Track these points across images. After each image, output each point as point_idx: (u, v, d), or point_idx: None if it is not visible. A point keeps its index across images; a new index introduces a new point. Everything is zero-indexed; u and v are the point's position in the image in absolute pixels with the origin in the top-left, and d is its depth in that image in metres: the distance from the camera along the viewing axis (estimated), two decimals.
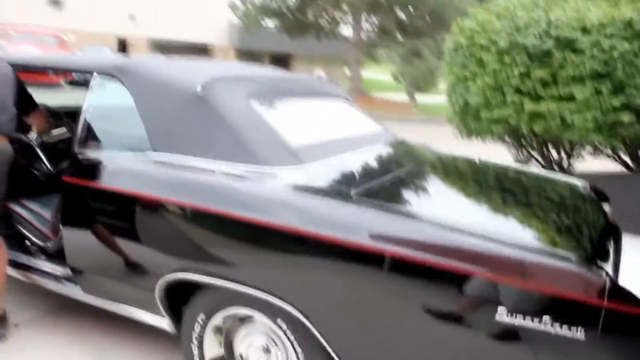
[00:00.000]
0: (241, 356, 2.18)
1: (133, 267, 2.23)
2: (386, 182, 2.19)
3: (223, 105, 2.22)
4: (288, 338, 1.97)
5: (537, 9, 5.54)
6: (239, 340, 2.18)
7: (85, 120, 2.48)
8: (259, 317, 2.03)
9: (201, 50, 40.05)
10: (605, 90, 4.88)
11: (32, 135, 3.05)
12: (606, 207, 2.91)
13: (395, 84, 28.45)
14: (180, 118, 2.24)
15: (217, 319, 2.13)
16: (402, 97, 25.03)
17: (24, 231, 2.95)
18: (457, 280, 1.61)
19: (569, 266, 1.55)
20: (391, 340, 1.75)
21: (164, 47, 38.65)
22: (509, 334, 1.54)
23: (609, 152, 6.08)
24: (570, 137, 5.28)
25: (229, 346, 2.21)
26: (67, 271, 2.51)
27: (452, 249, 1.64)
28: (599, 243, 2.00)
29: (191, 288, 2.14)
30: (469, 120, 6.06)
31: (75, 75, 4.34)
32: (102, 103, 2.51)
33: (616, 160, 6.14)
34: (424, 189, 2.27)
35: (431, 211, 1.88)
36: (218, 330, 2.16)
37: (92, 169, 2.31)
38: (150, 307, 2.25)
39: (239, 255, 1.99)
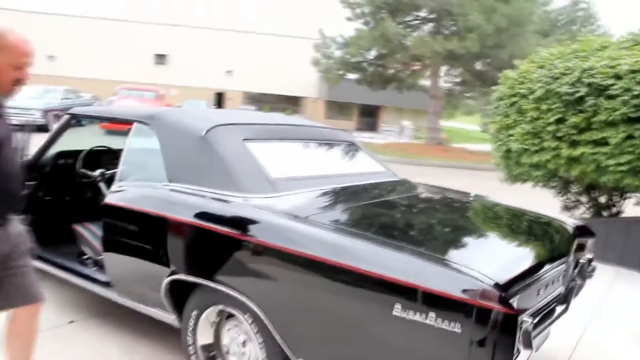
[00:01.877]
0: (226, 346, 2.62)
1: (146, 271, 2.77)
2: (340, 209, 2.63)
3: (220, 145, 2.75)
4: (253, 330, 2.40)
5: (575, 58, 5.71)
6: (225, 333, 2.62)
7: (125, 158, 3.12)
8: (237, 313, 2.47)
9: (292, 101, 42.17)
10: (638, 134, 4.93)
11: (96, 172, 3.74)
12: (589, 242, 3.11)
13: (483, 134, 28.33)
14: (189, 156, 2.81)
15: (207, 315, 2.58)
16: (487, 147, 24.74)
17: (82, 247, 3.63)
18: (364, 280, 1.98)
19: (452, 273, 1.88)
20: (325, 330, 2.13)
21: (258, 100, 41.19)
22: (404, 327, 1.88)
23: None
24: (605, 181, 5.31)
25: (217, 337, 2.66)
26: (108, 278, 3.09)
27: (368, 257, 2.03)
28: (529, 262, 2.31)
29: (188, 289, 2.63)
30: (512, 165, 6.23)
31: None
32: (139, 145, 3.15)
33: None
34: (375, 214, 2.66)
35: (364, 228, 2.30)
36: (212, 323, 2.62)
37: (124, 196, 2.93)
38: (162, 306, 2.76)
39: (218, 260, 2.46)
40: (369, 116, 40.70)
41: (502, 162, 6.41)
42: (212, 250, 2.50)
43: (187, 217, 2.56)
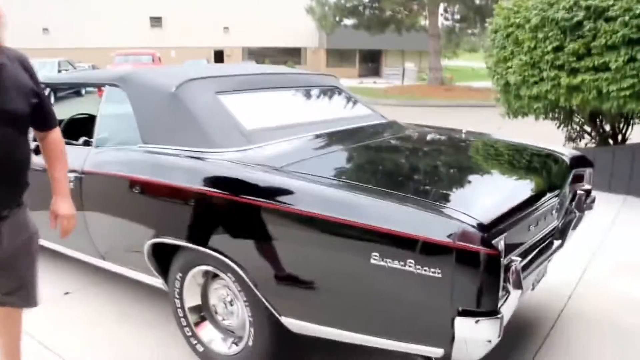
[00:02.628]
0: (214, 306, 2.56)
1: (129, 236, 2.70)
2: (317, 156, 2.49)
3: (191, 101, 2.61)
4: (237, 289, 2.31)
5: None
6: (212, 293, 2.56)
7: (100, 124, 3.01)
8: (220, 273, 2.40)
9: (292, 53, 41.42)
10: None
11: (79, 141, 3.63)
12: (587, 172, 2.98)
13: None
14: (161, 114, 2.68)
15: (192, 276, 2.51)
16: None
17: None
18: (339, 229, 1.88)
19: (429, 215, 1.78)
20: (306, 286, 2.06)
21: (258, 54, 40.49)
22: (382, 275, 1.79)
23: None
24: (608, 108, 5.12)
25: (205, 298, 2.60)
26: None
27: (340, 205, 1.92)
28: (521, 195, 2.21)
29: (171, 252, 2.56)
30: (511, 99, 6.03)
31: None
32: (112, 109, 3.02)
33: None
34: (352, 159, 2.53)
35: (339, 175, 2.18)
36: (199, 285, 2.56)
37: (99, 162, 2.83)
38: (150, 272, 2.70)
39: (194, 220, 2.38)
40: (372, 61, 40.03)
41: (501, 96, 6.21)
42: (187, 210, 2.41)
43: (161, 178, 2.47)
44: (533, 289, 2.43)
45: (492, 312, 1.70)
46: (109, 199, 2.82)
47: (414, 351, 1.87)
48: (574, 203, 2.83)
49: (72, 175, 2.91)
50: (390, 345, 1.90)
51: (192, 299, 2.59)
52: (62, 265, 3.72)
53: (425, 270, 1.72)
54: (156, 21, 36.98)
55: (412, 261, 1.74)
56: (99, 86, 3.08)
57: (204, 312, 2.62)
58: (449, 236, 1.69)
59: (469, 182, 2.38)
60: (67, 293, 3.43)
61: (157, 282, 2.73)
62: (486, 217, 1.84)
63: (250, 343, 2.34)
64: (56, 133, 2.13)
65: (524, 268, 2.07)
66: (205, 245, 2.32)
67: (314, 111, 3.18)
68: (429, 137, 3.20)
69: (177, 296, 2.59)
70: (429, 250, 1.72)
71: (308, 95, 3.33)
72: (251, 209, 2.14)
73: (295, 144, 2.59)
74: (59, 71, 17.69)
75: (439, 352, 1.80)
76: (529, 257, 2.17)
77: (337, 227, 1.89)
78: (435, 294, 1.73)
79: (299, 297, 2.11)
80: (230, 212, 2.24)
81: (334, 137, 2.77)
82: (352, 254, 1.88)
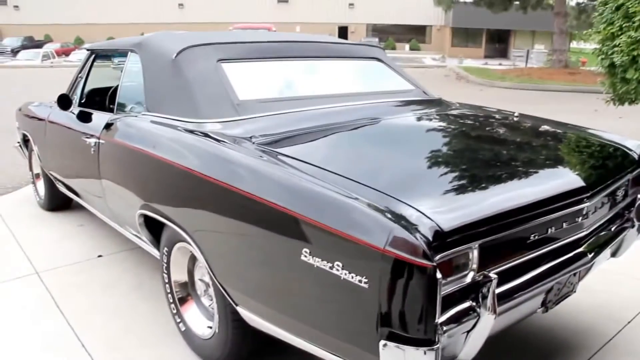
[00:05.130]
0: (201, 280, 2.40)
1: (127, 204, 2.66)
2: (299, 132, 2.19)
3: (189, 68, 2.45)
4: (207, 270, 2.11)
5: None
6: (197, 269, 2.42)
7: (119, 92, 2.99)
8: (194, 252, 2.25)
9: (417, 31, 40.25)
10: None
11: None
12: None
13: None
14: (162, 81, 2.57)
15: (177, 251, 2.39)
16: None
17: None
18: (276, 215, 1.63)
19: (365, 208, 1.46)
20: (250, 276, 1.87)
21: (381, 31, 39.88)
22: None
23: None
24: None
25: (191, 277, 2.46)
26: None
27: (282, 189, 1.68)
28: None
29: (160, 224, 2.46)
30: (617, 82, 5.22)
31: None
32: (130, 76, 2.97)
33: None
34: (332, 140, 2.17)
35: (303, 155, 1.89)
36: (184, 261, 2.44)
37: (108, 129, 2.82)
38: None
39: (166, 193, 2.27)
40: (499, 42, 37.73)
41: (606, 79, 5.40)
42: (161, 183, 2.33)
43: (143, 147, 2.40)
44: (546, 309, 1.98)
45: (426, 341, 1.36)
46: (114, 165, 2.81)
47: None
48: (633, 210, 2.31)
49: (93, 140, 2.94)
50: (327, 357, 1.63)
51: (178, 275, 2.49)
52: (109, 228, 3.81)
53: (352, 278, 1.43)
54: None
55: (340, 264, 1.45)
56: (124, 52, 3.05)
57: (189, 290, 2.51)
58: (379, 239, 1.38)
59: (466, 171, 1.95)
60: (99, 256, 3.53)
61: (156, 254, 2.67)
62: (453, 218, 1.49)
63: (217, 330, 2.19)
64: None
65: (520, 288, 1.69)
66: (171, 220, 2.20)
67: (335, 84, 2.87)
68: (462, 119, 2.75)
69: (165, 271, 2.50)
70: (357, 253, 1.42)
71: (337, 66, 3.03)
72: (204, 184, 1.97)
73: (287, 118, 2.34)
74: None
75: None
76: (530, 274, 1.77)
77: (275, 213, 1.65)
78: (363, 307, 1.43)
79: (246, 287, 1.91)
80: (189, 186, 2.10)
81: (337, 114, 2.46)
82: (286, 247, 1.62)
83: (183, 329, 2.46)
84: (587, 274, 2.10)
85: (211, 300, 2.29)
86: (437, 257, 1.37)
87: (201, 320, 2.41)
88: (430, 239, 1.37)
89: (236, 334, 2.10)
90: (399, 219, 1.41)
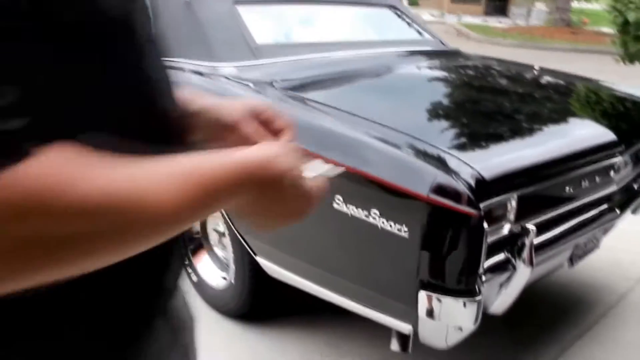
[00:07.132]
0: (215, 230, 2.35)
1: None
2: (319, 78, 2.10)
3: (203, 10, 2.34)
4: (224, 221, 2.10)
5: None
6: (209, 222, 2.36)
7: None
8: None
9: None
10: None
11: None
12: None
13: None
14: (178, 24, 2.45)
15: None
16: None
17: None
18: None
19: (404, 155, 1.38)
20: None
21: None
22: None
23: None
24: None
25: (204, 227, 2.41)
26: None
27: (308, 132, 1.57)
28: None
29: None
30: (629, 41, 5.10)
31: None
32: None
33: None
34: (356, 88, 2.10)
35: (332, 103, 1.78)
36: None
37: None
38: None
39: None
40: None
41: (618, 38, 5.29)
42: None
43: None
44: (572, 264, 1.95)
45: (467, 292, 1.32)
46: None
47: (383, 322, 1.55)
48: None
49: None
50: (357, 309, 1.59)
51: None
52: None
53: (390, 226, 1.37)
54: None
55: (377, 212, 1.39)
56: None
57: (202, 241, 2.46)
58: (421, 186, 1.31)
59: (500, 122, 1.90)
60: None
61: None
62: (494, 166, 1.44)
63: (233, 281, 2.14)
64: None
65: (552, 241, 1.65)
66: None
67: (353, 31, 2.77)
68: (483, 70, 2.66)
69: None
70: (397, 201, 1.36)
71: (353, 13, 2.91)
72: None
73: (306, 63, 2.24)
74: None
75: (407, 328, 1.46)
76: (563, 227, 1.73)
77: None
78: (401, 257, 1.38)
79: (269, 236, 1.85)
80: None
81: (359, 61, 2.37)
82: None
83: (195, 279, 2.41)
84: (611, 229, 2.08)
85: (225, 249, 2.24)
86: (482, 206, 1.31)
87: (214, 271, 2.37)
88: (474, 186, 1.31)
89: (254, 284, 2.06)
90: (441, 165, 1.35)
